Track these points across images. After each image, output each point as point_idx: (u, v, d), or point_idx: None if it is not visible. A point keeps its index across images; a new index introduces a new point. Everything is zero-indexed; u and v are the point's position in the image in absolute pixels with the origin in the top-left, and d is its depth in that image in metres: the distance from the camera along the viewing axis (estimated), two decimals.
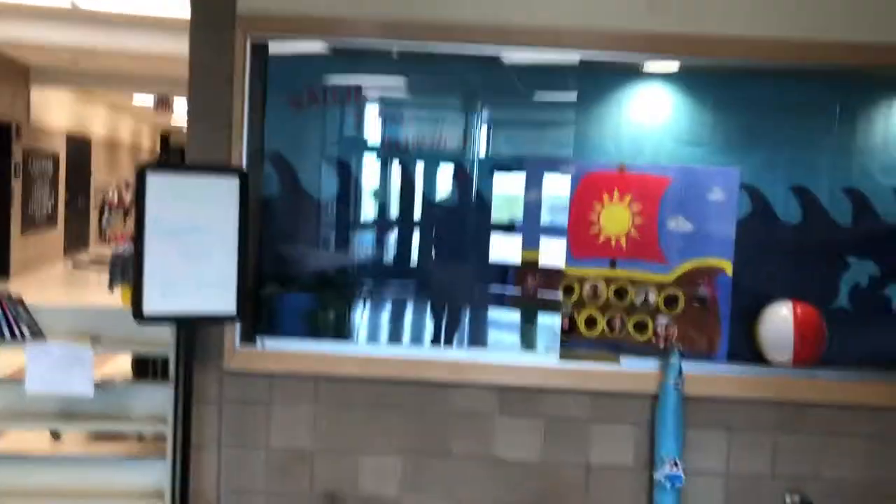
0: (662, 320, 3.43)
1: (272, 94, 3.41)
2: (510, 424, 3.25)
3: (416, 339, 3.57)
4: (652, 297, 3.44)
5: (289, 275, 3.48)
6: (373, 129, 3.58)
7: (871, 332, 3.45)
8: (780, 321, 3.29)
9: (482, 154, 3.54)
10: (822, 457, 3.24)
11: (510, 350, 3.51)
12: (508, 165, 3.53)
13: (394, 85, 3.57)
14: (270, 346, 3.28)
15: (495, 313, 3.60)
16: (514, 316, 3.58)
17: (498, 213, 3.54)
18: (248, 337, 3.26)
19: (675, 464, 3.16)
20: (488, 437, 3.25)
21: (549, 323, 3.47)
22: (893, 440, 3.23)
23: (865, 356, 3.42)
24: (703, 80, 3.43)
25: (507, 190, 3.54)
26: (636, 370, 3.23)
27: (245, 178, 3.12)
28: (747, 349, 3.36)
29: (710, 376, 3.23)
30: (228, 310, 3.06)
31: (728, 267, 3.36)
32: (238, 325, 3.20)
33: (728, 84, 3.43)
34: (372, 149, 3.57)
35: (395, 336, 3.57)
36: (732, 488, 3.23)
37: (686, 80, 3.44)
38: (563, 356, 3.31)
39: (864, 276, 3.45)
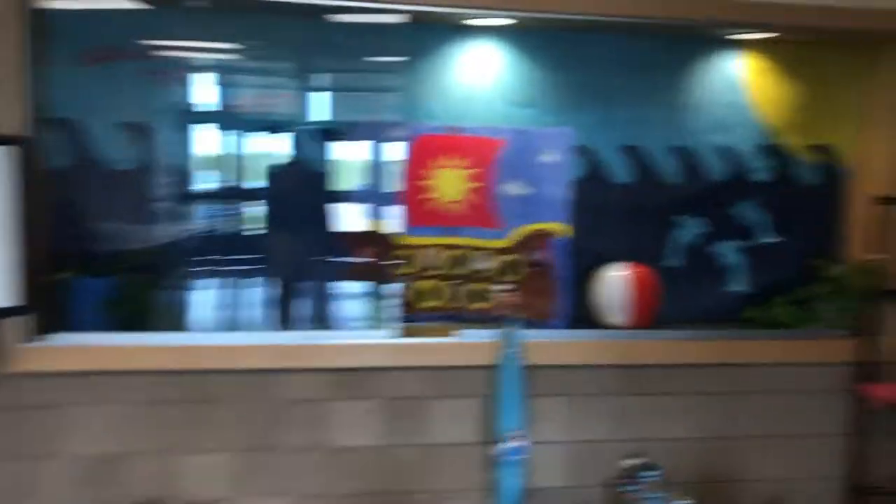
0: (501, 288, 3.15)
1: (59, 50, 2.82)
2: (346, 409, 2.90)
3: (239, 322, 3.12)
4: (490, 265, 3.16)
5: (87, 258, 2.93)
6: (185, 91, 3.06)
7: (702, 290, 3.34)
8: (615, 284, 3.11)
9: (308, 118, 3.11)
10: (661, 417, 3.11)
11: (345, 328, 3.13)
12: (338, 130, 3.11)
13: (209, 41, 3.06)
14: (65, 342, 2.72)
15: (328, 290, 3.21)
16: (347, 291, 3.20)
17: (326, 181, 3.13)
18: (37, 332, 2.69)
19: (518, 436, 2.91)
20: (323, 424, 2.88)
21: (386, 297, 3.11)
22: (728, 395, 3.16)
23: (698, 313, 3.30)
24: (534, 37, 3.16)
25: (338, 155, 3.14)
26: (476, 342, 2.95)
27: (26, 148, 2.53)
28: (587, 313, 3.15)
29: (550, 343, 3.00)
30: (8, 302, 2.49)
31: (565, 230, 3.14)
32: (23, 319, 2.62)
33: (559, 41, 3.20)
34: (184, 112, 3.05)
35: (214, 321, 3.10)
36: (576, 456, 3.05)
37: (518, 37, 3.15)
38: (400, 332, 2.96)
39: (693, 235, 3.32)
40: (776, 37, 3.23)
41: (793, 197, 3.39)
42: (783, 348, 3.18)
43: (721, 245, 3.37)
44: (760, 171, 3.36)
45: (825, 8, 3.01)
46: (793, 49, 3.32)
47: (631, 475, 3.01)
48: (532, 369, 2.97)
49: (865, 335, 3.20)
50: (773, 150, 3.38)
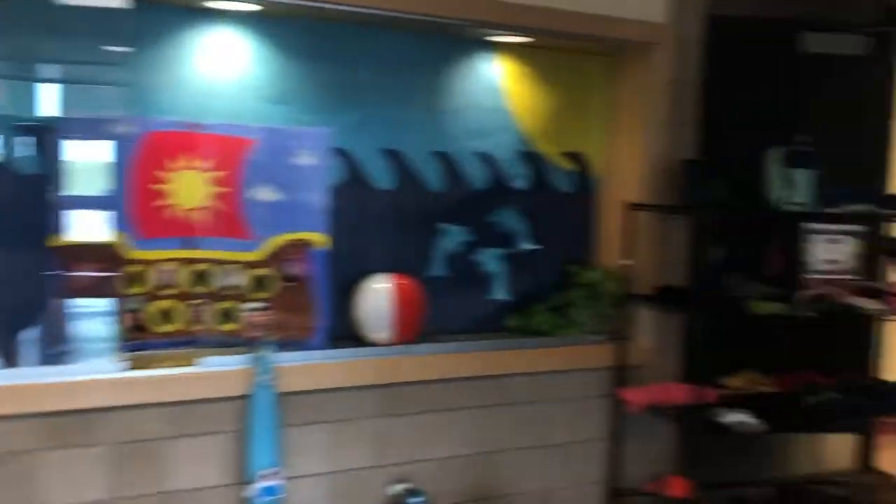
0: (252, 306, 2.72)
1: None
2: (63, 461, 2.35)
3: None
4: (239, 280, 2.72)
5: None
6: None
7: (467, 299, 3.16)
8: (377, 297, 2.82)
9: (20, 113, 2.47)
10: (427, 437, 2.88)
11: (60, 362, 2.52)
12: (55, 126, 2.50)
13: None
14: None
15: (41, 315, 2.58)
16: (65, 316, 2.59)
17: (41, 185, 2.49)
18: None
19: (273, 473, 2.52)
20: (32, 481, 2.32)
21: (110, 323, 2.56)
22: (493, 408, 3.02)
23: (463, 324, 3.11)
24: (285, 26, 2.77)
25: (56, 156, 2.53)
26: (222, 370, 2.52)
27: None
28: (348, 330, 2.82)
29: (307, 366, 2.65)
30: None
31: (323, 240, 2.77)
32: None
33: (314, 33, 2.83)
34: None
35: None
36: (338, 488, 2.75)
37: (267, 26, 2.74)
38: (129, 363, 2.44)
39: (457, 243, 3.10)
40: (531, 42, 3.10)
41: (550, 204, 3.31)
42: (544, 356, 3.09)
43: (483, 253, 3.18)
44: (519, 178, 3.22)
45: (574, 13, 2.93)
46: (546, 55, 3.21)
47: (397, 502, 2.72)
48: (287, 397, 2.60)
49: (619, 340, 3.16)
50: (530, 157, 3.25)
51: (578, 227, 3.38)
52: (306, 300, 2.82)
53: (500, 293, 3.25)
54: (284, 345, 2.72)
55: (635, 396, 3.09)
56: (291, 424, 2.65)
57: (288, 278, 2.80)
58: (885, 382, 3.43)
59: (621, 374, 3.16)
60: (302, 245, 2.81)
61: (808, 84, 3.37)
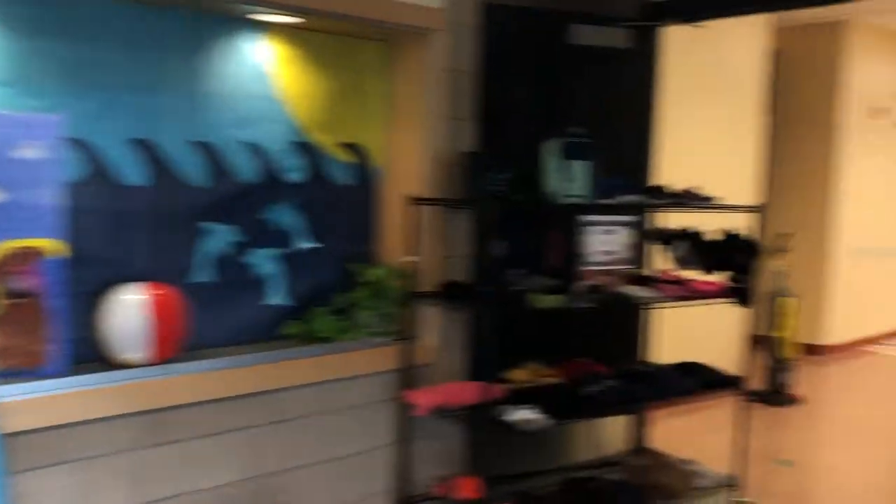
0: None
1: None
2: None
3: None
4: None
5: None
6: None
7: (238, 307, 2.82)
8: (128, 311, 2.44)
9: None
10: (197, 466, 2.54)
11: None
12: None
13: None
14: None
15: None
16: None
17: None
18: None
19: None
20: None
21: None
22: (271, 426, 2.73)
23: (235, 335, 2.77)
24: None
25: None
26: None
27: None
28: (94, 352, 2.38)
29: (43, 398, 2.23)
30: None
31: (58, 247, 2.31)
32: None
33: (44, 3, 2.31)
34: None
35: None
36: None
37: None
38: None
39: (224, 244, 2.75)
40: (302, 24, 2.80)
41: (328, 199, 3.05)
42: (326, 364, 2.86)
43: (255, 254, 2.85)
44: (294, 171, 2.92)
45: None
46: (319, 39, 2.94)
47: None
48: (17, 437, 2.15)
49: (405, 340, 2.98)
50: (305, 149, 2.96)
51: (359, 222, 3.15)
52: (39, 319, 2.35)
53: (276, 298, 2.93)
54: (12, 374, 2.24)
55: (422, 398, 2.93)
56: (25, 469, 2.19)
57: (14, 294, 2.32)
58: (653, 365, 3.54)
59: (407, 376, 2.99)
60: (31, 254, 2.33)
61: (581, 76, 3.37)
